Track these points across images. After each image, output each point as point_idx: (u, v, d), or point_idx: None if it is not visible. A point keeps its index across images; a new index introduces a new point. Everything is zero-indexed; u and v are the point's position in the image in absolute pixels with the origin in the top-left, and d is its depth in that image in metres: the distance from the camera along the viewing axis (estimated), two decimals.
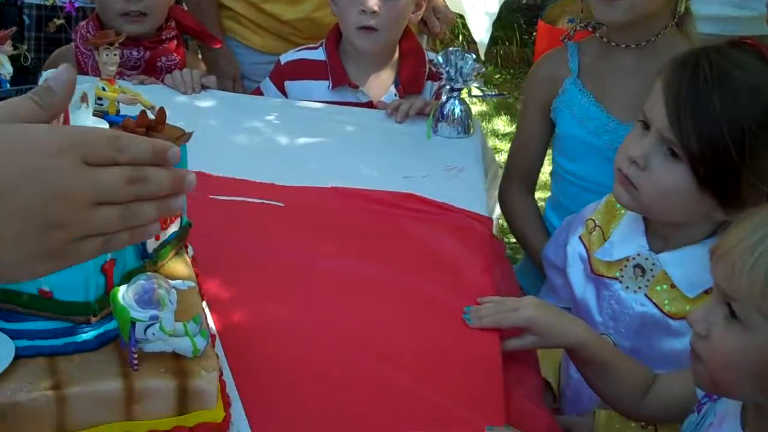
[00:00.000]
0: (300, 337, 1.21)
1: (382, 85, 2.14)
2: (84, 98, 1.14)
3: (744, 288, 0.98)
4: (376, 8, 1.99)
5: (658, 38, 1.68)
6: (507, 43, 4.95)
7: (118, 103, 1.10)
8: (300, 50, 2.18)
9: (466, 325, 1.28)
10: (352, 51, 2.10)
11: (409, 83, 2.12)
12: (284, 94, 2.14)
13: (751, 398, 1.06)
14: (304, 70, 2.14)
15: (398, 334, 1.25)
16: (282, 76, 2.15)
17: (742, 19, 2.33)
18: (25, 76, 1.80)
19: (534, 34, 4.63)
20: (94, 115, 1.15)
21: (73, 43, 2.14)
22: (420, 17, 2.20)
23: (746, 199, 1.22)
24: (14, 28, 1.17)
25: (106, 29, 1.97)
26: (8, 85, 1.13)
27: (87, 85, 1.14)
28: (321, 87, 2.13)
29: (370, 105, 2.11)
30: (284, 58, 2.17)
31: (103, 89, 1.14)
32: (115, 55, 1.16)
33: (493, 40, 4.90)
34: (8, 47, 1.13)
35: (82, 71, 2.09)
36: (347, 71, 2.11)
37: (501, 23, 5.00)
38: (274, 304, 1.27)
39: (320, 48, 2.14)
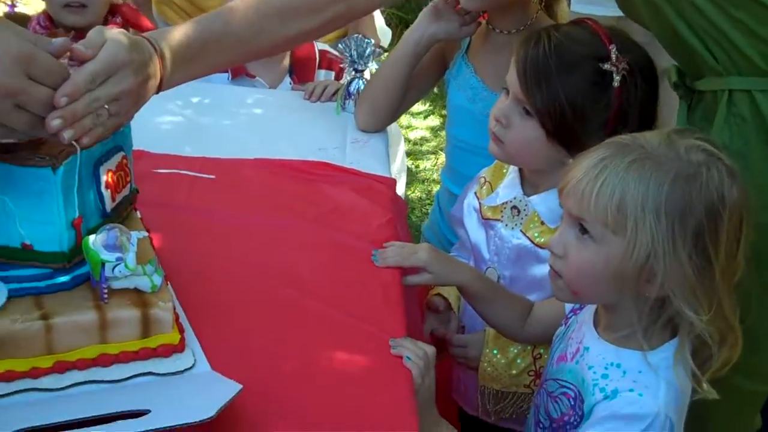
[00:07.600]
0: (233, 278, 1.42)
1: (277, 74, 2.32)
2: None
3: (592, 209, 1.20)
4: None
5: (530, 23, 1.89)
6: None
7: None
8: None
9: (373, 264, 1.49)
10: None
11: (302, 72, 2.30)
12: None
13: (606, 300, 1.28)
14: None
15: (314, 271, 1.45)
16: None
17: None
18: None
19: None
20: None
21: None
22: None
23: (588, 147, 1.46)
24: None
25: (54, 21, 2.17)
26: None
27: None
28: (221, 78, 2.29)
29: None
30: None
31: None
32: None
33: (400, 20, 5.11)
34: None
35: None
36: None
37: None
38: (211, 253, 1.48)
39: None
